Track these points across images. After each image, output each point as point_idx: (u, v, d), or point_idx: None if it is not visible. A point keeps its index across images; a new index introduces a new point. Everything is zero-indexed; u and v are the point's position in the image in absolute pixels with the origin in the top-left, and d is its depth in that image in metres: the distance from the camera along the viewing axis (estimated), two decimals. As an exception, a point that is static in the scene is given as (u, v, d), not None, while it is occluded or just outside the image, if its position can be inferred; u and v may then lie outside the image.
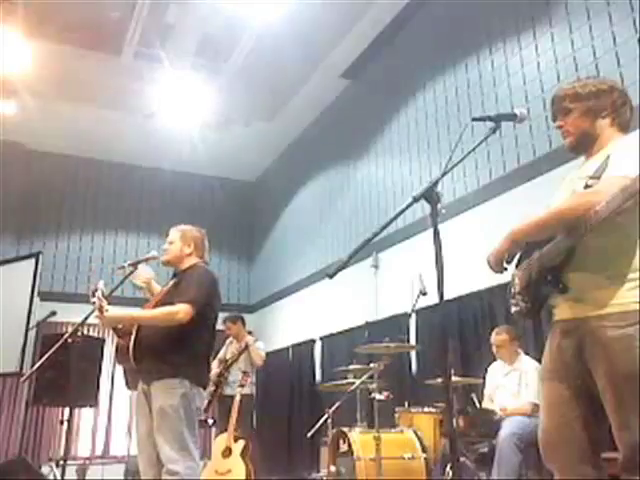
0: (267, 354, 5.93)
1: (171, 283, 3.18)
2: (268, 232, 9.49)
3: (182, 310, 2.87)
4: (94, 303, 2.87)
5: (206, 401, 5.56)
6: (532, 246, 1.91)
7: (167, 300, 3.00)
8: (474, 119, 2.01)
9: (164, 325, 2.92)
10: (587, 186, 1.81)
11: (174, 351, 2.89)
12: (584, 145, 1.96)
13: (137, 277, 3.31)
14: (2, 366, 5.66)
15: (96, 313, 2.88)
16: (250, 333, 5.99)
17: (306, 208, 8.36)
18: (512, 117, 1.97)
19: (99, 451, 8.05)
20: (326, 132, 8.00)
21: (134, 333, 2.95)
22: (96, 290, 2.89)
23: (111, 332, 3.24)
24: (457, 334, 4.83)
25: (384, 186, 6.47)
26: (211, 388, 5.60)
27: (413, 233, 5.58)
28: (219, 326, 5.77)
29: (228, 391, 5.55)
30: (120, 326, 3.04)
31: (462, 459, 3.59)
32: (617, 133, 1.92)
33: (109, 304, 2.94)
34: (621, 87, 1.98)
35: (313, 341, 7.30)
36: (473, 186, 5.11)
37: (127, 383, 3.15)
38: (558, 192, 2.00)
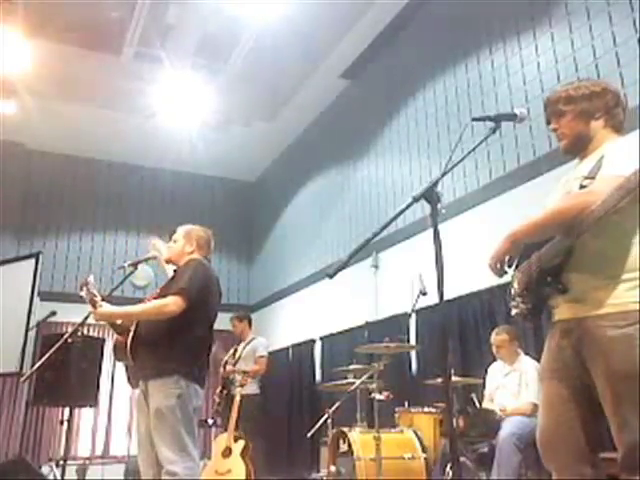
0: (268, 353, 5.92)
1: (169, 278, 3.18)
2: (268, 232, 9.49)
3: (172, 302, 2.86)
4: (85, 297, 2.87)
5: (217, 401, 5.57)
6: (531, 247, 1.91)
7: (163, 295, 2.99)
8: (474, 119, 2.01)
9: (156, 319, 2.91)
10: (582, 186, 1.82)
11: (169, 348, 2.88)
12: (579, 147, 1.97)
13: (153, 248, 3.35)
14: (2, 366, 5.65)
15: (89, 308, 2.88)
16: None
17: (306, 208, 8.36)
18: (512, 117, 1.97)
19: (99, 451, 8.05)
20: (326, 132, 8.00)
21: (132, 330, 2.95)
22: (86, 284, 2.89)
23: (111, 331, 3.24)
24: (457, 334, 4.83)
25: (384, 186, 6.47)
26: (219, 390, 5.61)
27: (413, 233, 5.58)
28: (226, 326, 5.84)
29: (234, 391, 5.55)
30: (119, 322, 3.04)
31: (462, 459, 3.59)
32: (611, 134, 1.93)
33: (109, 304, 2.94)
34: (614, 88, 1.99)
35: (313, 341, 7.29)
36: (473, 186, 5.11)
37: (129, 381, 3.15)
38: (554, 193, 2.01)
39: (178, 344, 2.90)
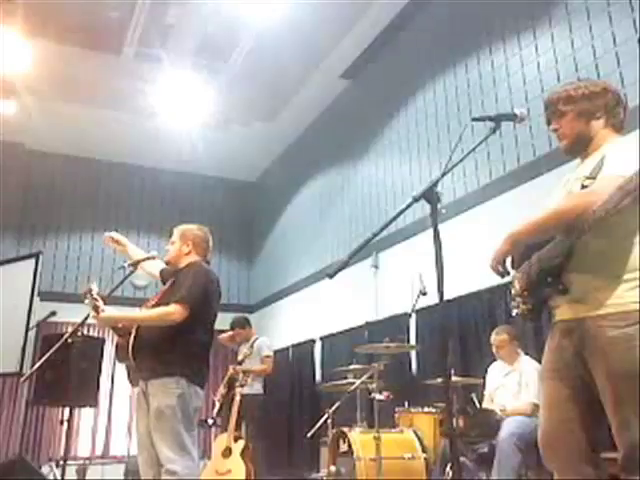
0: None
1: (169, 283, 3.19)
2: (268, 232, 9.49)
3: (175, 311, 2.87)
4: (88, 304, 2.88)
5: (218, 404, 5.56)
6: (531, 248, 1.91)
7: (165, 300, 3.00)
8: (474, 119, 2.01)
9: (159, 325, 2.92)
10: (583, 186, 1.82)
11: (170, 350, 2.90)
12: (580, 147, 1.97)
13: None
14: (2, 366, 5.65)
15: (92, 313, 2.88)
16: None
17: (306, 208, 8.36)
18: (512, 117, 1.97)
19: (99, 451, 8.05)
20: (326, 132, 8.00)
21: (134, 332, 2.96)
22: (89, 291, 2.89)
23: (111, 332, 3.25)
24: (457, 334, 4.83)
25: (384, 186, 6.47)
26: (223, 390, 5.59)
27: (413, 233, 5.58)
28: (226, 326, 5.81)
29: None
30: (120, 325, 3.05)
31: (462, 459, 3.58)
32: (611, 134, 1.94)
33: (108, 304, 2.94)
34: (614, 88, 1.99)
35: (313, 341, 7.29)
36: (473, 186, 5.11)
37: (130, 380, 3.16)
38: (555, 193, 2.01)
39: (179, 346, 2.92)
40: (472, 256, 4.17)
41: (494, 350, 4.00)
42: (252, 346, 5.66)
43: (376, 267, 6.27)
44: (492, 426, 3.59)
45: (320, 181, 8.06)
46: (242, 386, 5.19)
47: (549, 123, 2.05)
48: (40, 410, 7.53)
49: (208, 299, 3.04)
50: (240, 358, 5.60)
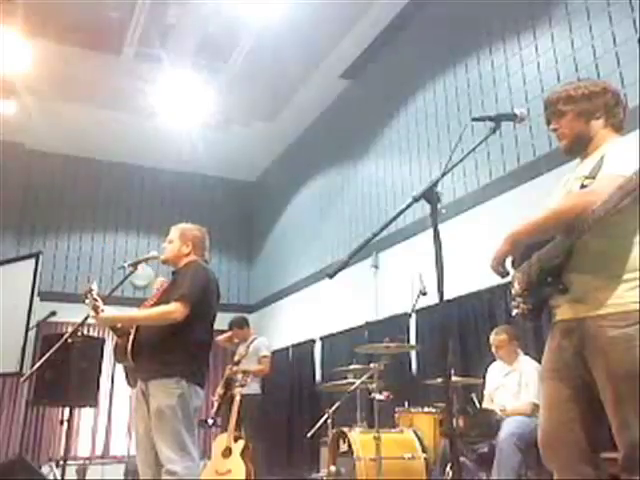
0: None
1: (169, 282, 3.19)
2: (268, 232, 9.49)
3: (175, 309, 2.88)
4: (89, 304, 2.89)
5: (216, 404, 5.56)
6: (531, 248, 1.91)
7: (164, 299, 3.00)
8: (474, 119, 2.01)
9: (159, 324, 2.93)
10: (583, 186, 1.82)
11: (170, 350, 2.90)
12: (579, 147, 1.97)
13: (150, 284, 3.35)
14: (2, 366, 5.65)
15: (92, 313, 2.89)
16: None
17: (306, 208, 8.36)
18: (512, 117, 1.97)
19: (99, 451, 8.05)
20: (326, 132, 8.00)
21: (132, 333, 2.96)
22: (90, 291, 2.90)
23: (110, 332, 3.25)
24: (457, 334, 4.83)
25: (384, 186, 6.47)
26: (220, 391, 5.59)
27: (413, 233, 5.58)
28: (226, 327, 5.81)
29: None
30: (119, 325, 3.05)
31: (462, 459, 3.59)
32: (611, 134, 1.94)
33: (108, 304, 2.95)
34: (613, 88, 1.99)
35: (313, 341, 7.29)
36: (473, 186, 5.11)
37: (128, 381, 3.15)
38: (555, 193, 2.01)
39: (179, 346, 2.92)
40: (472, 256, 4.17)
41: (493, 350, 4.00)
42: (249, 346, 5.66)
43: (376, 267, 6.27)
44: (492, 426, 3.60)
45: (320, 181, 8.06)
46: (242, 386, 5.19)
47: (549, 123, 2.05)
48: (40, 410, 7.52)
49: (207, 298, 3.04)
50: (236, 359, 5.60)
